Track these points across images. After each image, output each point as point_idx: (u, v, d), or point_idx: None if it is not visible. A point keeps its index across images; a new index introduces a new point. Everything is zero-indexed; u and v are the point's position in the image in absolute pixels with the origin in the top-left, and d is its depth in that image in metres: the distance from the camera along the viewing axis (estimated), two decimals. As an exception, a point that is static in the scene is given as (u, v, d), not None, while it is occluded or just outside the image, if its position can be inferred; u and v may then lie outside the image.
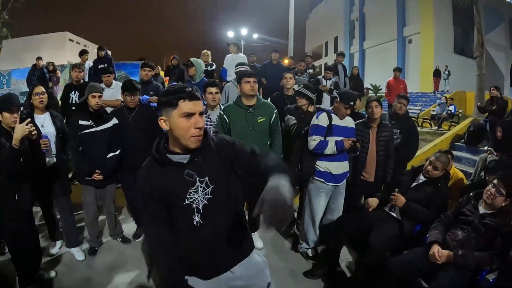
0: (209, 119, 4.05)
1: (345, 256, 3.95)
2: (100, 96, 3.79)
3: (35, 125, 3.23)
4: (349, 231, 3.52)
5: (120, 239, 4.35)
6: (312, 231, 3.89)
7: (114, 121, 3.89)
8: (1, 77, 18.88)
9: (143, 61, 5.91)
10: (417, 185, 3.50)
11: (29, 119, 2.94)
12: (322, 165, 3.67)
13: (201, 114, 1.60)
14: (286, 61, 10.23)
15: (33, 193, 3.28)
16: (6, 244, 3.55)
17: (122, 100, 4.13)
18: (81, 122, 3.76)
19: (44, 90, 3.80)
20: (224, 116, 3.73)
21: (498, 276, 2.68)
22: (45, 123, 3.75)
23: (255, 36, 26.64)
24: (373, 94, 20.24)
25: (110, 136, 3.85)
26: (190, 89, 1.57)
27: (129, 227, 4.62)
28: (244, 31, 25.14)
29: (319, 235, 3.92)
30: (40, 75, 10.08)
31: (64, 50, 33.44)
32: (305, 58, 8.72)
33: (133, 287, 3.49)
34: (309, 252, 3.96)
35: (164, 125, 1.62)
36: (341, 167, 3.75)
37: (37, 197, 3.56)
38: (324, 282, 3.52)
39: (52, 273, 3.61)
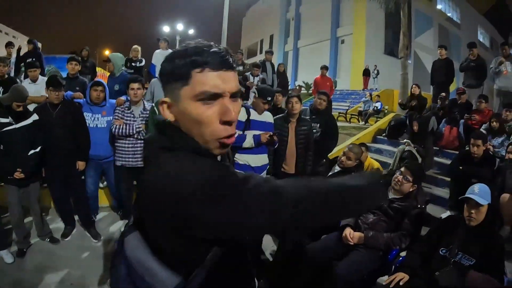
0: (132, 115, 4.17)
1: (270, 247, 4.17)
2: (21, 106, 3.74)
3: None
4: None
5: (49, 239, 4.27)
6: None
7: (34, 117, 3.83)
8: None
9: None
10: (332, 175, 3.76)
11: None
12: (241, 158, 3.84)
13: (235, 96, 0.96)
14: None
15: None
16: None
17: (47, 95, 4.07)
18: (1, 119, 3.67)
19: None
20: (155, 108, 3.93)
21: (407, 254, 2.99)
22: None
23: (191, 31, 26.30)
24: (306, 91, 21.12)
25: (31, 133, 3.79)
26: (217, 49, 0.93)
27: (57, 226, 4.55)
28: (180, 26, 24.78)
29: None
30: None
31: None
32: (236, 55, 8.94)
33: (63, 285, 3.49)
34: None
35: (166, 113, 0.99)
36: (259, 159, 3.93)
37: None
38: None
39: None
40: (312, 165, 4.47)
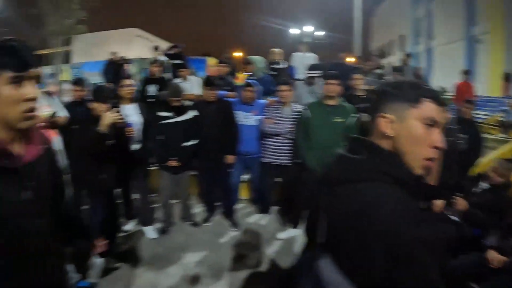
0: (281, 115, 4.37)
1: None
2: (179, 100, 4.16)
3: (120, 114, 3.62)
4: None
5: (191, 223, 4.70)
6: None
7: (194, 112, 4.24)
8: (74, 69, 20.42)
9: (209, 56, 6.27)
10: (479, 191, 3.52)
11: (117, 109, 3.32)
12: None
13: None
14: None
15: (116, 174, 3.62)
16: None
17: (196, 94, 4.47)
18: (163, 113, 4.14)
19: (131, 82, 4.23)
20: (309, 110, 4.05)
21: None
22: (131, 113, 4.06)
23: (319, 33, 26.24)
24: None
25: (188, 127, 4.19)
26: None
27: (198, 211, 4.96)
28: (308, 28, 24.87)
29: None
30: (114, 68, 10.76)
31: (132, 46, 34.88)
32: (372, 57, 8.74)
33: (202, 266, 3.77)
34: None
35: (388, 128, 1.09)
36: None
37: (120, 179, 3.81)
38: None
39: (125, 247, 3.98)
40: (456, 178, 4.20)
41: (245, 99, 4.53)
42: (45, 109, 3.44)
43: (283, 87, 4.33)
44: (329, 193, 1.12)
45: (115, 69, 10.45)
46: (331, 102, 4.01)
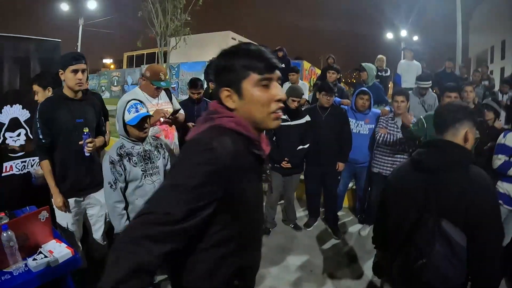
0: (395, 126, 4.27)
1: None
2: (298, 101, 4.23)
3: None
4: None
5: (292, 226, 4.76)
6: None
7: (307, 118, 4.30)
8: (172, 69, 21.69)
9: (302, 60, 6.29)
10: None
11: None
12: (503, 186, 3.53)
13: None
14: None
15: None
16: None
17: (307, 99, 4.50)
18: None
19: None
20: (424, 121, 3.93)
21: None
22: None
23: (415, 38, 25.14)
24: None
25: (302, 131, 4.25)
26: None
27: (300, 215, 5.03)
28: (403, 33, 23.96)
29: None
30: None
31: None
32: (482, 67, 8.22)
33: (303, 271, 3.78)
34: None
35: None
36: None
37: None
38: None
39: None
40: None
41: (359, 107, 4.50)
42: (166, 105, 3.66)
43: (399, 97, 4.21)
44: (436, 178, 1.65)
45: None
46: None
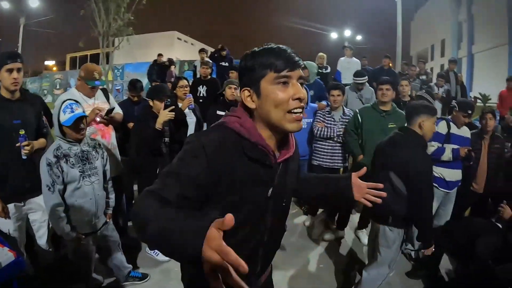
0: (332, 119, 4.48)
1: (445, 263, 4.01)
2: (235, 88, 4.34)
3: (180, 110, 3.84)
4: (455, 237, 3.66)
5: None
6: (419, 234, 4.10)
7: None
8: (116, 70, 21.10)
9: None
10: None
11: (173, 107, 3.48)
12: (437, 171, 3.84)
13: None
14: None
15: None
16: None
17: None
18: (219, 112, 4.31)
19: (187, 83, 4.42)
20: (359, 115, 4.17)
21: None
22: (186, 112, 4.23)
23: (359, 37, 26.23)
24: (482, 104, 18.85)
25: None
26: None
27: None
28: (347, 32, 24.86)
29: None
30: (159, 69, 11.16)
31: (173, 48, 35.57)
32: (419, 63, 8.73)
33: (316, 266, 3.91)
34: (412, 254, 4.14)
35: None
36: (454, 174, 3.91)
37: None
38: (424, 283, 3.68)
39: None
40: (503, 186, 4.19)
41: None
42: (102, 105, 3.63)
43: (335, 92, 4.40)
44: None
45: (159, 70, 10.88)
46: (385, 108, 4.10)
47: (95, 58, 36.63)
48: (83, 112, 2.64)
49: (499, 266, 3.13)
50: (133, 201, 4.58)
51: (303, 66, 1.22)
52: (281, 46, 1.21)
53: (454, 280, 3.69)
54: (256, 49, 1.23)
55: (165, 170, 1.18)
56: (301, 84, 1.21)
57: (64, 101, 2.59)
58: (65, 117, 2.53)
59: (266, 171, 1.27)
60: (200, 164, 1.15)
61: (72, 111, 2.55)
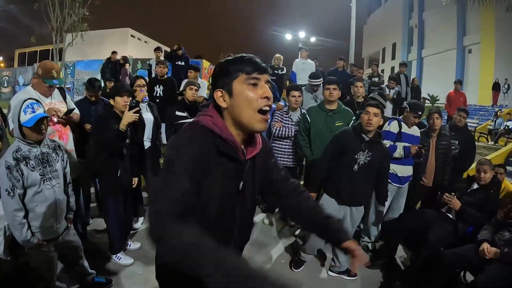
0: (290, 119, 4.59)
1: (400, 253, 4.29)
2: (196, 90, 4.33)
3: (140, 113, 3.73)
4: (409, 227, 3.91)
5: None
6: (375, 226, 4.30)
7: None
8: (67, 67, 20.26)
9: (201, 59, 6.41)
10: (471, 191, 3.82)
11: (137, 108, 3.37)
12: (390, 167, 4.02)
13: None
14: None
15: (132, 171, 3.67)
16: (104, 215, 3.83)
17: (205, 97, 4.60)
18: (178, 113, 4.30)
19: (145, 83, 4.35)
20: (307, 116, 4.29)
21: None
22: (144, 111, 4.20)
23: (313, 39, 26.67)
24: (430, 104, 19.76)
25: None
26: None
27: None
28: (301, 34, 25.22)
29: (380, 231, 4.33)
30: (113, 67, 10.88)
31: (126, 46, 34.63)
32: (372, 65, 9.06)
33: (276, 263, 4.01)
34: (369, 245, 4.36)
35: None
36: (406, 170, 4.17)
37: (134, 175, 3.79)
38: (382, 272, 3.91)
39: (137, 245, 4.04)
40: (450, 180, 4.50)
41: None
42: (59, 105, 3.52)
43: (296, 93, 4.53)
44: None
45: (113, 68, 10.61)
46: (331, 107, 4.24)
47: (45, 54, 35.27)
48: (45, 112, 2.56)
49: (448, 251, 3.42)
50: (98, 205, 4.59)
51: (270, 72, 1.33)
52: (251, 55, 1.36)
53: (408, 267, 3.90)
54: (230, 57, 1.40)
55: (162, 175, 1.27)
56: (268, 87, 1.35)
57: (25, 101, 2.48)
58: (26, 117, 2.43)
59: (236, 165, 1.39)
60: (192, 155, 1.26)
61: (33, 111, 2.45)
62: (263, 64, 1.36)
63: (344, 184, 3.50)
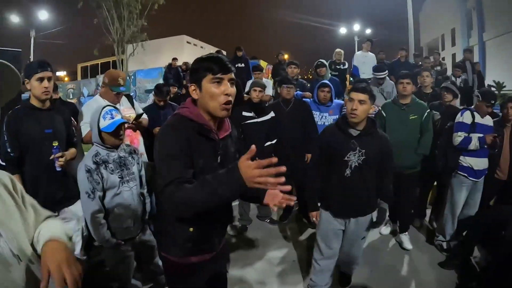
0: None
1: (475, 252, 4.03)
2: (260, 91, 4.31)
3: None
4: (485, 225, 3.68)
5: (268, 220, 4.91)
6: (451, 224, 4.12)
7: (272, 114, 4.39)
8: (128, 77, 21.14)
9: (257, 59, 6.48)
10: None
11: None
12: (466, 161, 3.90)
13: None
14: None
15: None
16: None
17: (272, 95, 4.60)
18: (244, 113, 4.30)
19: None
20: (382, 112, 4.23)
21: None
22: None
23: (368, 31, 26.01)
24: (496, 92, 18.37)
25: (268, 127, 4.33)
26: None
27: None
28: (356, 27, 24.70)
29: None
30: (175, 74, 11.26)
31: (182, 52, 35.62)
32: (434, 54, 8.71)
33: (286, 262, 3.95)
34: (444, 244, 4.17)
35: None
36: (482, 163, 3.94)
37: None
38: (457, 273, 3.71)
39: None
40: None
41: (321, 99, 4.69)
42: (128, 111, 3.67)
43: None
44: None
45: (174, 74, 10.96)
46: (405, 101, 4.13)
47: (106, 67, 37.11)
48: (123, 118, 2.67)
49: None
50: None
51: (234, 71, 1.69)
52: (219, 55, 1.70)
53: (485, 268, 3.70)
54: (202, 56, 1.71)
55: (159, 158, 1.64)
56: (232, 84, 1.67)
57: (104, 107, 2.60)
58: (105, 123, 2.55)
59: (212, 144, 1.74)
60: (178, 139, 1.62)
61: (112, 117, 2.56)
62: (229, 65, 1.64)
63: (335, 195, 2.95)
